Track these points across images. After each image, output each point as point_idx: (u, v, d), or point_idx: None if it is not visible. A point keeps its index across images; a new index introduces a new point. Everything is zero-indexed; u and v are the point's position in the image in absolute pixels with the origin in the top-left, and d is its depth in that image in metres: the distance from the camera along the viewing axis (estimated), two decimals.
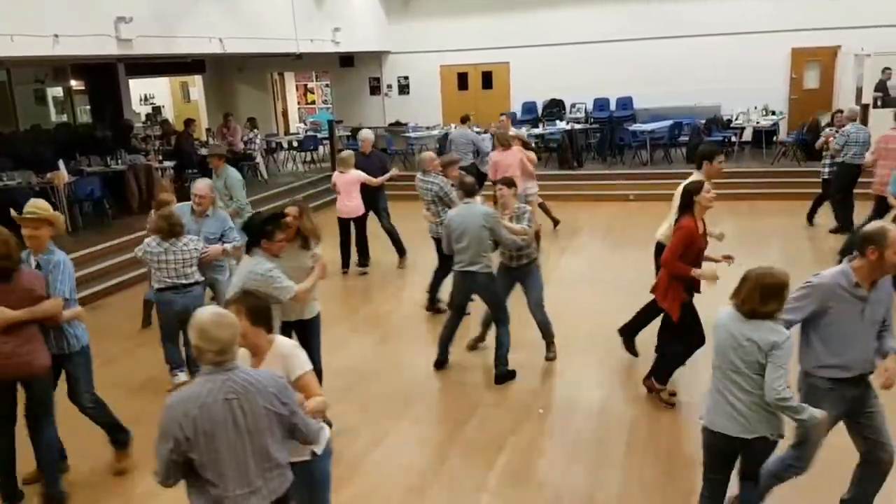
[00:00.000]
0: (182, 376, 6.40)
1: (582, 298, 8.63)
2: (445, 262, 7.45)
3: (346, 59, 18.92)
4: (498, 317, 6.49)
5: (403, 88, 19.06)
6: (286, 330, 5.15)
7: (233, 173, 8.53)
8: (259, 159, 15.64)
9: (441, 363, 6.69)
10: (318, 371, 5.46)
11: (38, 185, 10.99)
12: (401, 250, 10.19)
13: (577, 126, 16.12)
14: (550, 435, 5.57)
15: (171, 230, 6.07)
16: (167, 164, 13.49)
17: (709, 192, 5.49)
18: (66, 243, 10.14)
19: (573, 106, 17.32)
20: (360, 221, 9.83)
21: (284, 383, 3.07)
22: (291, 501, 3.22)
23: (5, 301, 4.42)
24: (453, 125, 15.41)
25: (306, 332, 5.34)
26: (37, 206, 4.97)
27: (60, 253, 4.94)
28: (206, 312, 2.99)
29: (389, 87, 19.19)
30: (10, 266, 4.48)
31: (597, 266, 10.09)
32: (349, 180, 9.53)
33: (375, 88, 19.36)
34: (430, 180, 8.06)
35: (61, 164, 11.12)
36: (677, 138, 15.39)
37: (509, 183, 6.52)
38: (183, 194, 13.50)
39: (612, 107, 17.18)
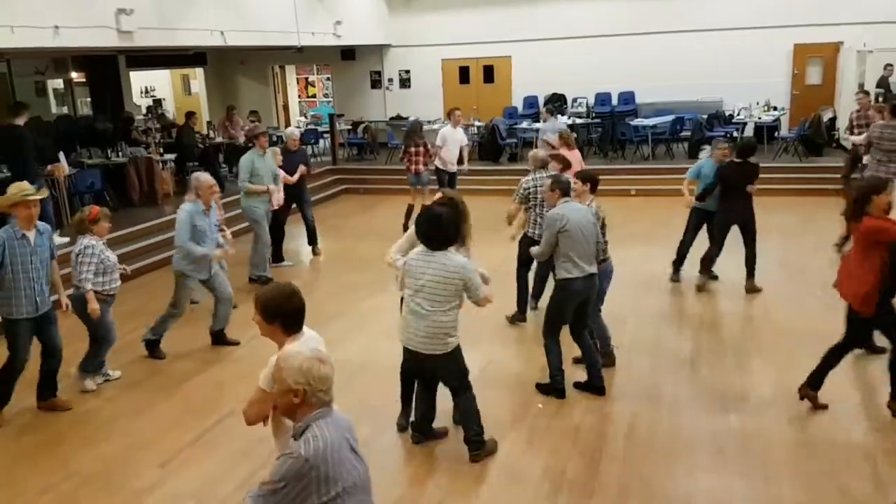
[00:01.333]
0: None
1: None
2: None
3: (348, 53, 18.88)
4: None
5: (405, 82, 19.02)
6: None
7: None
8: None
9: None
10: None
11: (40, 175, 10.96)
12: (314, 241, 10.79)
13: (579, 121, 16.09)
14: (549, 429, 5.56)
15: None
16: (168, 156, 13.46)
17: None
18: (67, 236, 10.17)
19: (575, 100, 17.28)
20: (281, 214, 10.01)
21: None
22: None
23: None
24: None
25: None
26: (29, 188, 5.65)
27: None
28: (307, 350, 2.84)
29: (391, 80, 19.15)
30: None
31: None
32: None
33: (377, 82, 19.33)
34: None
35: (62, 156, 11.09)
36: (679, 133, 15.37)
37: (585, 178, 6.40)
38: (183, 187, 13.59)
39: (614, 101, 17.15)
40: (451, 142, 11.67)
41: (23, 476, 5.13)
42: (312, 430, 2.62)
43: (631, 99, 17.03)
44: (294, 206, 10.39)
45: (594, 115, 16.82)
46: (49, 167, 10.90)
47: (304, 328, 3.40)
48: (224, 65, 20.12)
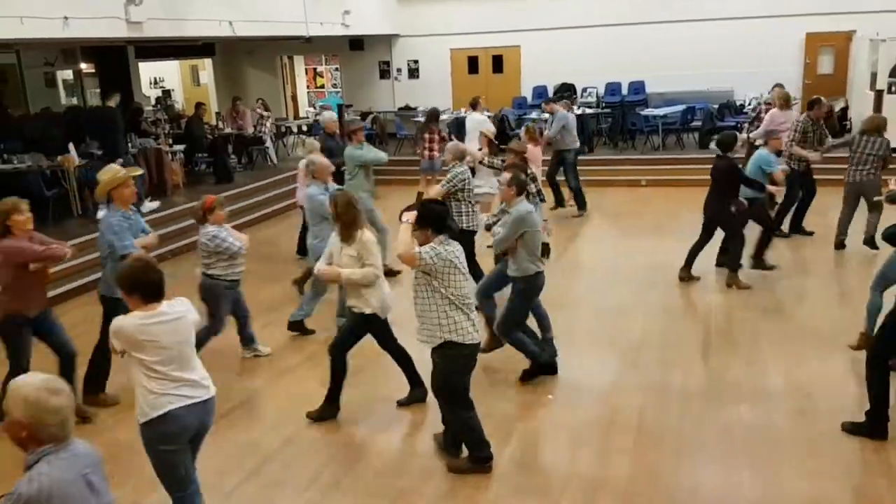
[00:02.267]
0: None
1: (590, 284, 8.60)
2: None
3: (356, 43, 18.83)
4: None
5: (413, 72, 18.96)
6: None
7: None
8: (269, 143, 15.60)
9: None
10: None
11: (48, 169, 11.02)
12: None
13: (588, 110, 16.00)
14: (558, 422, 5.55)
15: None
16: (177, 147, 13.48)
17: None
18: (77, 226, 10.21)
19: (584, 90, 17.19)
20: None
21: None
22: None
23: None
24: (463, 110, 15.35)
25: None
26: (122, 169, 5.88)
27: None
28: (33, 380, 2.57)
29: (399, 71, 19.09)
30: None
31: (606, 252, 10.04)
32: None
33: (385, 72, 19.26)
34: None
35: (71, 147, 11.12)
36: (690, 123, 15.27)
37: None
38: (192, 178, 13.64)
39: (624, 91, 17.05)
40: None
41: None
42: (39, 468, 2.47)
43: (641, 89, 16.92)
44: None
45: (604, 104, 16.74)
46: (59, 158, 10.95)
47: (174, 300, 3.76)
48: (232, 55, 20.10)
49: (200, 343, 6.26)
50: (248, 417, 5.84)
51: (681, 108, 15.24)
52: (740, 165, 8.42)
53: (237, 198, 12.21)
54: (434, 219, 4.58)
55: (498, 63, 18.20)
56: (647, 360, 6.51)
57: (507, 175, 6.03)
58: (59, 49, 16.39)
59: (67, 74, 17.79)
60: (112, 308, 5.51)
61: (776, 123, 9.96)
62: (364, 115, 18.00)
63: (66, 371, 5.56)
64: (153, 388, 3.62)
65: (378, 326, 5.60)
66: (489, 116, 15.83)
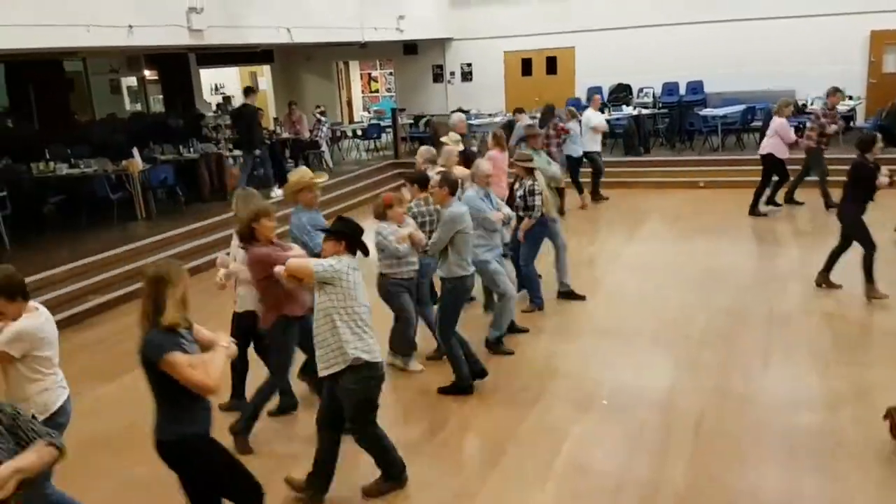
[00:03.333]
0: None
1: (648, 287, 8.45)
2: None
3: (410, 47, 18.97)
4: None
5: (466, 75, 19.00)
6: None
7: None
8: (325, 147, 15.83)
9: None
10: None
11: (113, 173, 11.38)
12: None
13: (645, 111, 15.80)
14: (614, 425, 5.47)
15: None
16: (237, 152, 13.77)
17: None
18: (141, 229, 10.52)
19: (641, 90, 16.96)
20: None
21: None
22: None
23: None
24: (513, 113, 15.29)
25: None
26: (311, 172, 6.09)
27: None
28: None
29: (452, 74, 19.16)
30: None
31: (663, 254, 9.87)
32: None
33: (438, 76, 19.36)
34: None
35: (135, 151, 11.47)
36: (750, 123, 14.92)
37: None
38: (251, 181, 13.87)
39: (682, 91, 16.76)
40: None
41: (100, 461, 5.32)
42: None
43: (699, 88, 16.61)
44: None
45: (661, 105, 16.48)
46: (123, 163, 11.31)
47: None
48: (290, 61, 20.46)
49: (410, 341, 6.35)
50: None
51: (741, 107, 14.91)
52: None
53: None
54: (350, 234, 4.32)
55: (552, 64, 18.10)
56: (707, 363, 6.36)
57: (436, 176, 6.06)
58: (124, 57, 16.94)
59: (131, 81, 18.39)
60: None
61: None
62: (417, 119, 18.12)
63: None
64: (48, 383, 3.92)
65: None
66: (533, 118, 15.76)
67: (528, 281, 7.75)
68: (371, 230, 5.86)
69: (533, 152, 8.26)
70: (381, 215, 6.09)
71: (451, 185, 5.88)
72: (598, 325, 7.41)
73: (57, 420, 3.85)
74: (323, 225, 5.79)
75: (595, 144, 12.50)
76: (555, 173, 8.44)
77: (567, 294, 7.98)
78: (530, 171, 7.39)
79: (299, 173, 5.97)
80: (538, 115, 16.18)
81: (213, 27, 10.40)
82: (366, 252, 4.52)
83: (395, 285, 6.14)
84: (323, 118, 16.29)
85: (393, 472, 4.68)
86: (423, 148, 8.02)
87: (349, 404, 4.42)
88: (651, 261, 9.49)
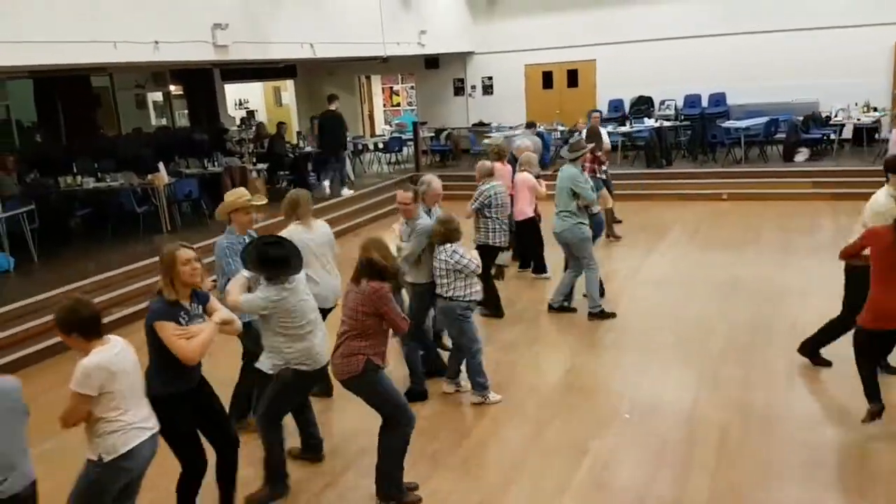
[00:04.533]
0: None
1: (669, 300, 8.41)
2: None
3: (431, 61, 19.09)
4: None
5: (487, 88, 19.08)
6: None
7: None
8: (347, 161, 15.95)
9: None
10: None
11: (139, 186, 11.56)
12: None
13: (667, 123, 15.74)
14: (635, 439, 5.44)
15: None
16: (260, 166, 13.92)
17: None
18: (166, 241, 10.65)
19: (662, 103, 16.93)
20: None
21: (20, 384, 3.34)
22: None
23: None
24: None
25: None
26: (247, 193, 5.63)
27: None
28: None
29: (473, 87, 19.24)
30: None
31: (685, 267, 9.81)
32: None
33: (459, 89, 19.46)
34: None
35: (161, 165, 11.64)
36: (773, 135, 14.82)
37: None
38: (273, 196, 14.04)
39: (704, 103, 16.70)
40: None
41: None
42: None
43: (722, 100, 16.54)
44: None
45: (683, 117, 16.43)
46: (149, 176, 11.48)
47: (110, 336, 3.67)
48: (313, 76, 20.67)
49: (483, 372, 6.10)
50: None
51: (764, 119, 14.81)
52: None
53: (317, 213, 12.48)
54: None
55: (573, 77, 18.12)
56: (729, 377, 6.31)
57: (408, 193, 6.15)
58: (150, 72, 17.22)
59: (157, 96, 18.69)
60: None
61: None
62: (438, 132, 18.21)
63: None
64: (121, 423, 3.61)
65: None
66: (562, 131, 15.83)
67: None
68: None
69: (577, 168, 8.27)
70: (447, 236, 5.81)
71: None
72: (619, 338, 7.38)
73: (120, 464, 3.59)
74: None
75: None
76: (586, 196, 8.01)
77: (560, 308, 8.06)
78: None
79: (235, 194, 5.54)
80: (558, 127, 16.23)
81: (238, 42, 10.55)
82: (289, 277, 4.58)
83: (467, 309, 5.90)
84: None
85: (279, 481, 4.79)
86: (481, 163, 8.10)
87: (271, 399, 4.75)
88: (672, 274, 9.44)
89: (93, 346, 3.52)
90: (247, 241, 5.22)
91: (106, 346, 3.57)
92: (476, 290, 5.92)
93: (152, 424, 3.76)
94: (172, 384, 4.08)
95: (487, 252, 7.59)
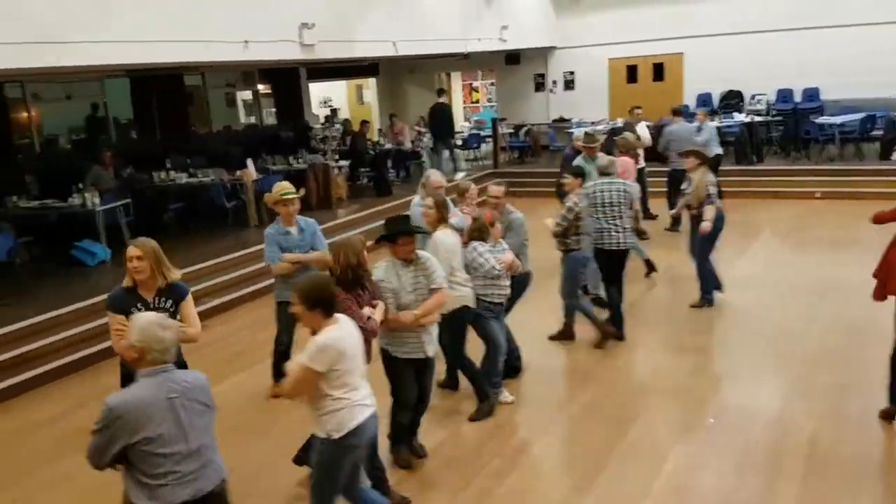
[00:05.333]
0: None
1: (759, 301, 8.11)
2: None
3: (512, 57, 18.99)
4: None
5: (569, 84, 18.84)
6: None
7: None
8: (425, 157, 16.07)
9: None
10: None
11: (229, 182, 11.93)
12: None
13: (758, 118, 15.19)
14: (720, 444, 5.27)
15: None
16: (343, 163, 14.17)
17: None
18: (253, 235, 10.99)
19: (753, 97, 16.33)
20: None
21: (207, 380, 3.29)
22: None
23: None
24: (620, 119, 15.08)
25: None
26: (289, 187, 6.07)
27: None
28: (150, 315, 3.22)
29: (554, 83, 19.04)
30: None
31: (777, 268, 9.45)
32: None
33: (540, 85, 19.29)
34: None
35: (249, 162, 11.99)
36: (870, 132, 14.10)
37: None
38: (355, 192, 14.31)
39: (797, 98, 16.03)
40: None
41: None
42: (132, 384, 3.08)
43: (815, 95, 15.83)
44: None
45: (774, 112, 15.82)
46: (238, 172, 11.85)
47: (338, 316, 3.77)
48: (394, 74, 20.89)
49: (490, 371, 5.95)
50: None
51: (860, 116, 14.11)
52: None
53: (395, 210, 12.63)
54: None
55: (659, 71, 17.70)
56: (822, 381, 6.04)
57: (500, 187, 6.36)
58: (240, 71, 17.76)
59: (246, 95, 19.25)
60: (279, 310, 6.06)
61: None
62: (518, 128, 18.11)
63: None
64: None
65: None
66: (647, 126, 15.51)
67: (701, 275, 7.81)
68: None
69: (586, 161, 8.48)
70: (478, 234, 5.72)
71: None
72: (705, 340, 7.18)
73: (349, 441, 3.67)
74: (301, 243, 5.97)
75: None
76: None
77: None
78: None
79: (277, 187, 6.08)
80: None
81: (324, 42, 10.74)
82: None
83: (486, 310, 5.75)
84: (423, 129, 16.55)
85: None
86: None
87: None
88: (763, 274, 9.10)
89: (328, 323, 3.65)
90: (292, 231, 5.98)
91: (336, 325, 3.68)
92: (499, 292, 5.75)
93: (372, 402, 3.83)
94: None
95: (602, 257, 7.12)
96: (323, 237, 6.23)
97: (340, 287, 4.30)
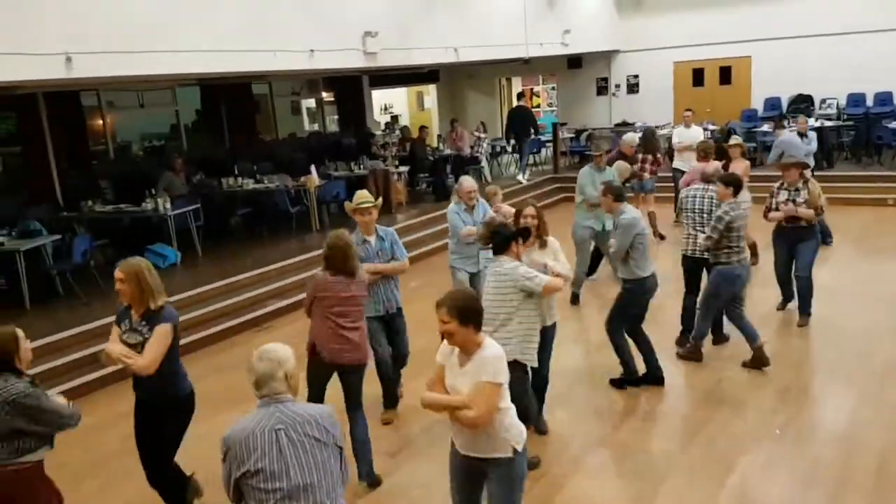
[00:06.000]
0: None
1: (828, 312, 7.84)
2: None
3: (574, 61, 18.86)
4: None
5: (632, 87, 18.61)
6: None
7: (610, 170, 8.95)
8: (484, 163, 16.09)
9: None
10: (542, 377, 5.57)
11: (293, 188, 12.19)
12: None
13: (828, 123, 14.73)
14: (787, 457, 5.14)
15: None
16: (402, 168, 14.30)
17: None
18: (316, 240, 11.21)
19: (823, 101, 15.84)
20: None
21: (329, 412, 3.10)
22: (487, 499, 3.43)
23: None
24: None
25: (543, 339, 5.23)
26: (367, 196, 6.01)
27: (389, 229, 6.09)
28: (259, 349, 3.08)
29: (617, 86, 18.84)
30: None
31: (849, 276, 9.14)
32: None
33: (603, 88, 19.10)
34: None
35: (313, 168, 12.22)
36: None
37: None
38: (414, 197, 14.43)
39: (869, 102, 15.49)
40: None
41: None
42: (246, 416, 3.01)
43: (888, 100, 15.26)
44: None
45: (845, 116, 15.32)
46: (302, 178, 12.10)
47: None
48: (454, 80, 20.98)
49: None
50: None
51: None
52: None
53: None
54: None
55: (725, 74, 17.34)
56: (893, 397, 5.83)
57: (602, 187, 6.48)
58: (305, 80, 18.11)
59: (310, 103, 19.61)
60: None
61: None
62: (579, 133, 17.98)
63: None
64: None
65: None
66: (713, 130, 15.23)
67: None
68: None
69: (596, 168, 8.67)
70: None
71: (615, 193, 6.15)
72: (775, 352, 6.98)
73: (527, 449, 3.59)
74: (379, 252, 5.86)
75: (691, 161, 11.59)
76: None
77: None
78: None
79: (358, 197, 6.00)
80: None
81: (386, 49, 10.88)
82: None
83: None
84: (482, 135, 16.58)
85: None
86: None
87: None
88: (833, 283, 8.81)
89: (480, 338, 3.45)
90: (371, 240, 5.86)
91: (487, 338, 3.51)
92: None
93: None
94: (187, 381, 4.53)
95: (688, 265, 7.02)
96: (402, 246, 6.09)
97: (330, 270, 4.86)
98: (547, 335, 5.38)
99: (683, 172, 11.29)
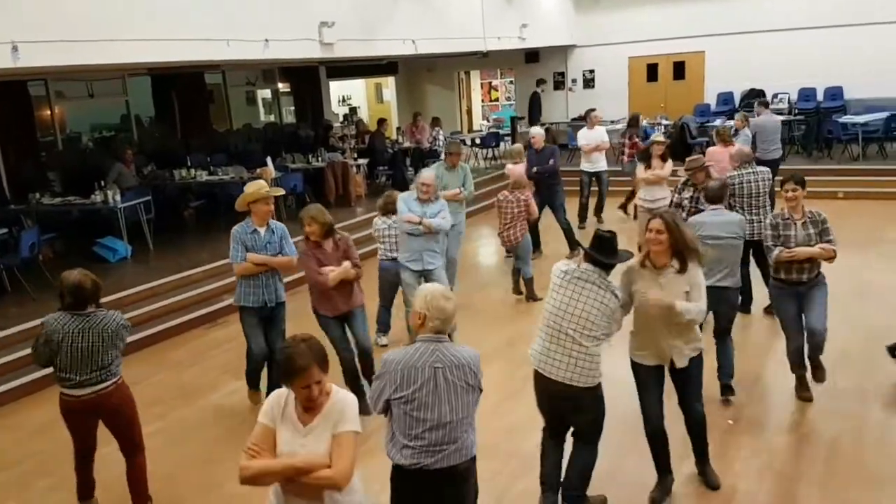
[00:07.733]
0: (384, 339, 7.51)
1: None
2: None
3: (532, 55, 18.95)
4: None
5: (588, 82, 18.78)
6: None
7: (467, 168, 9.21)
8: (443, 156, 16.05)
9: None
10: None
11: (248, 180, 11.99)
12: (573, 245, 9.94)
13: (780, 117, 15.02)
14: (739, 448, 5.22)
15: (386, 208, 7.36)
16: (361, 161, 14.21)
17: None
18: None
19: (775, 96, 16.17)
20: None
21: (478, 358, 3.37)
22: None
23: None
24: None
25: None
26: (265, 185, 5.96)
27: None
28: (438, 286, 3.41)
29: (574, 81, 18.98)
30: None
31: None
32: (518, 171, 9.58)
33: (559, 83, 19.23)
34: None
35: (269, 160, 12.05)
36: (894, 131, 13.92)
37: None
38: (374, 190, 14.33)
39: (820, 97, 15.86)
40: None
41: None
42: (408, 346, 3.34)
43: (839, 94, 15.65)
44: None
45: (797, 111, 15.66)
46: (257, 170, 11.91)
47: None
48: (413, 72, 20.90)
49: None
50: None
51: (884, 115, 13.95)
52: None
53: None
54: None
55: (679, 70, 17.59)
56: (844, 388, 5.96)
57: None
58: (260, 70, 17.85)
59: (266, 93, 19.34)
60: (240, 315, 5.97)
61: None
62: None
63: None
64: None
65: None
66: (666, 125, 15.46)
67: None
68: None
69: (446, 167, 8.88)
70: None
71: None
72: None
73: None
74: (249, 243, 5.73)
75: (598, 163, 11.92)
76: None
77: None
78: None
79: (256, 185, 5.79)
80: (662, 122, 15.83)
81: (343, 41, 10.76)
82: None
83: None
84: (438, 128, 16.55)
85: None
86: (738, 149, 8.01)
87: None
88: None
89: (329, 385, 3.25)
90: (261, 231, 5.76)
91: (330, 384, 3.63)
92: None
93: None
94: None
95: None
96: (292, 242, 5.96)
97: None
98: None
99: (590, 174, 11.64)
